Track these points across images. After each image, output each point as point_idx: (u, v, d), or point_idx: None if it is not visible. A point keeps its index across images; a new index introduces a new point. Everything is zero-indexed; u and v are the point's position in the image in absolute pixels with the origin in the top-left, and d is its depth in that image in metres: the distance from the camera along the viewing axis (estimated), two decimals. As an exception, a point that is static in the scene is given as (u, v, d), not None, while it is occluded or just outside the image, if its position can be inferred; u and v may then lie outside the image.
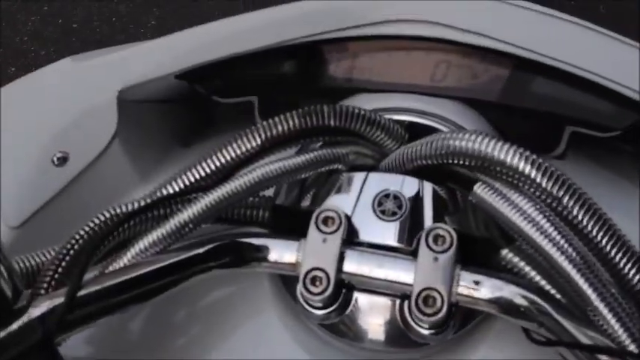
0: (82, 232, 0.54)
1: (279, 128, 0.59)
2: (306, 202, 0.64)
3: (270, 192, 0.63)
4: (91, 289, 0.52)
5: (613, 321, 0.50)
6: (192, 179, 0.58)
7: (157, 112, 0.76)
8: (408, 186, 0.60)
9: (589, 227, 0.53)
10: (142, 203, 0.57)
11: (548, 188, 0.53)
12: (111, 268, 0.55)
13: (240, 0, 2.18)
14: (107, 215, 0.55)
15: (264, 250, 0.57)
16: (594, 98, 0.65)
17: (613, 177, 0.70)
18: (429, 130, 0.66)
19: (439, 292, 0.53)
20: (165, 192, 0.58)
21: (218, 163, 0.59)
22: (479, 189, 0.57)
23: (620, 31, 0.67)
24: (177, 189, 0.58)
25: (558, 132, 0.68)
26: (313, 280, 0.55)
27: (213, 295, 0.69)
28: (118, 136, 0.69)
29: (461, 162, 0.57)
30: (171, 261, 0.55)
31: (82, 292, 0.50)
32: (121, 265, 0.55)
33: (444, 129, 0.66)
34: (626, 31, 0.70)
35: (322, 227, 0.56)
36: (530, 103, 0.69)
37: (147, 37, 2.43)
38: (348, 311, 0.58)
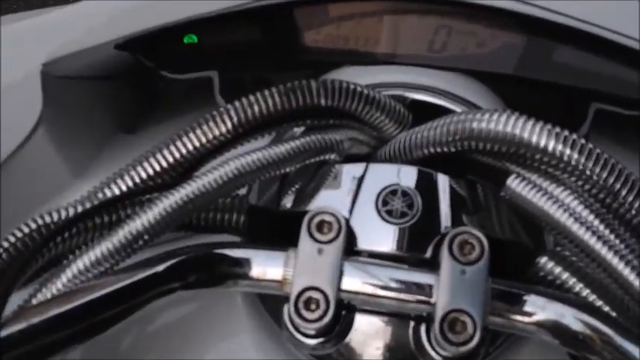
0: None
1: (256, 109, 0.48)
2: (287, 201, 0.54)
3: (241, 190, 0.52)
4: (13, 329, 0.40)
5: None
6: (145, 175, 0.47)
7: (92, 91, 0.66)
8: (418, 179, 0.50)
9: None
10: (80, 208, 0.45)
11: (601, 180, 0.45)
12: (40, 297, 0.44)
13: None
14: (33, 226, 0.44)
15: (242, 263, 0.46)
16: (627, 69, 0.57)
17: (636, 159, 0.62)
18: (437, 110, 0.56)
19: (470, 315, 0.43)
20: (109, 192, 0.47)
21: (178, 155, 0.48)
22: (513, 182, 0.47)
23: None
24: (125, 188, 0.47)
25: (582, 109, 0.59)
26: (307, 303, 0.45)
27: (172, 315, 0.58)
28: (44, 121, 0.58)
29: (486, 148, 0.48)
30: (121, 285, 0.44)
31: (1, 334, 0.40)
32: (54, 292, 0.44)
33: (456, 108, 0.57)
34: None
35: (317, 235, 0.46)
36: (549, 76, 0.60)
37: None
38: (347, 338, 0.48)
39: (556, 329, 0.43)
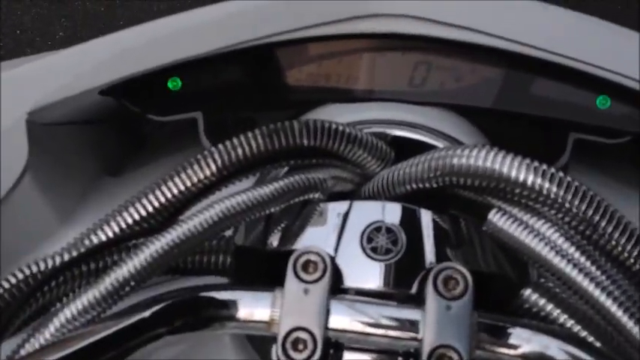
0: None
1: (240, 151, 0.48)
2: (273, 240, 0.53)
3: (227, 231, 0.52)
4: None
5: None
6: (131, 221, 0.47)
7: (78, 136, 0.65)
8: (401, 216, 0.50)
9: (631, 258, 0.44)
10: (67, 257, 0.45)
11: (580, 212, 0.45)
12: (28, 348, 0.43)
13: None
14: (20, 276, 0.43)
15: (229, 305, 0.46)
16: (603, 99, 0.57)
17: (622, 188, 0.62)
18: (419, 146, 0.56)
19: (456, 350, 0.43)
20: (95, 239, 0.46)
21: (163, 199, 0.47)
22: (495, 217, 0.47)
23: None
24: (111, 235, 0.46)
25: (561, 140, 0.59)
26: (295, 344, 0.44)
27: (162, 357, 0.57)
28: (30, 170, 0.57)
29: (467, 184, 0.48)
30: (109, 332, 0.43)
31: None
32: (42, 341, 0.43)
33: (438, 143, 0.57)
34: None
35: (302, 275, 0.45)
36: (528, 108, 0.60)
37: (55, 49, 2.28)
38: None
39: None
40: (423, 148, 0.53)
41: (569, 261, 0.44)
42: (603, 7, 2.26)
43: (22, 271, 0.43)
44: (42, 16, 2.40)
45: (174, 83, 0.62)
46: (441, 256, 0.49)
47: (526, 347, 0.43)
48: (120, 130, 0.69)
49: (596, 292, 0.43)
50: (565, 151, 0.59)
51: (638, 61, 0.55)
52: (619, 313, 0.42)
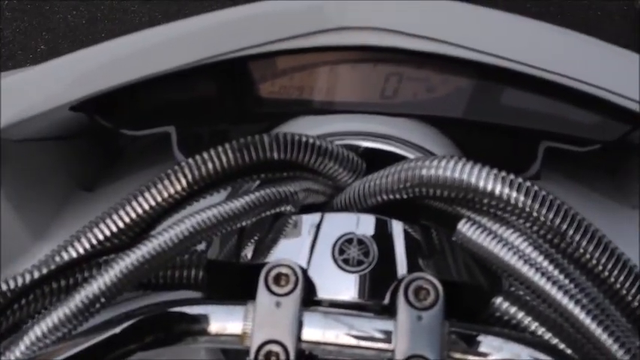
0: None
1: (210, 166, 0.48)
2: (246, 253, 0.53)
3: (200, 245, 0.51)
4: None
5: None
6: (102, 237, 0.47)
7: (50, 151, 0.64)
8: (373, 227, 0.50)
9: (600, 265, 0.44)
10: (37, 274, 0.44)
11: (548, 221, 0.45)
12: None
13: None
14: None
15: (201, 320, 0.46)
16: (573, 108, 0.58)
17: (593, 195, 0.63)
18: (390, 157, 0.57)
19: None
20: (67, 255, 0.46)
21: (134, 215, 0.47)
22: (464, 227, 0.47)
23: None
24: (82, 251, 0.46)
25: (532, 149, 0.59)
26: (268, 357, 0.44)
27: None
28: (2, 187, 0.57)
29: (436, 194, 0.48)
30: (79, 349, 0.43)
31: None
32: None
33: (408, 154, 0.57)
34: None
35: (274, 288, 0.45)
36: (499, 118, 0.60)
37: (37, 62, 2.27)
38: None
39: None
40: (394, 159, 0.53)
41: (537, 270, 0.44)
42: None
43: None
44: (23, 30, 2.39)
45: (146, 98, 0.61)
46: (412, 267, 0.49)
47: (497, 355, 0.44)
48: (93, 144, 0.68)
49: (564, 300, 0.43)
50: (536, 160, 0.60)
51: (606, 71, 0.55)
52: (587, 320, 0.43)
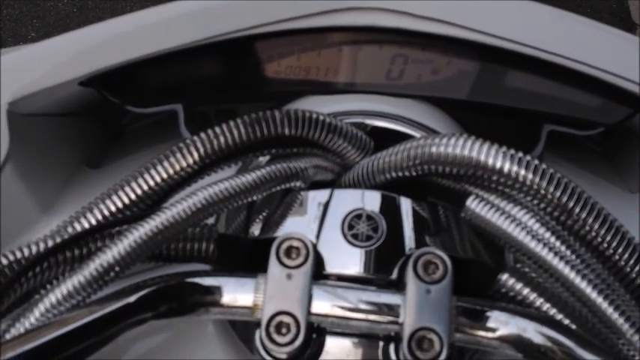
0: None
1: (222, 140, 0.48)
2: (255, 229, 0.53)
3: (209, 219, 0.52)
4: None
5: None
6: (115, 208, 0.47)
7: (58, 127, 0.64)
8: (381, 203, 0.50)
9: (605, 243, 0.45)
10: (51, 243, 0.45)
11: (555, 199, 0.46)
12: (14, 332, 0.43)
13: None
14: (4, 262, 0.43)
15: (213, 291, 0.46)
16: (576, 91, 0.59)
17: (594, 179, 0.64)
18: (397, 136, 0.57)
19: (436, 333, 0.44)
20: (79, 226, 0.47)
21: (147, 187, 0.48)
22: (472, 203, 0.48)
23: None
24: (95, 222, 0.47)
25: (535, 131, 0.60)
26: (279, 328, 0.44)
27: (146, 344, 0.57)
28: (11, 159, 0.57)
29: (445, 171, 0.48)
30: (94, 317, 0.43)
31: None
32: (27, 326, 0.43)
33: (415, 133, 0.57)
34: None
35: (285, 260, 0.45)
36: (503, 100, 0.61)
37: (27, 50, 2.26)
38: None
39: (519, 343, 0.44)
40: (401, 138, 0.54)
41: (544, 245, 0.45)
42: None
43: (5, 257, 0.43)
44: (14, 17, 2.37)
45: (154, 75, 0.62)
46: (420, 243, 0.49)
47: (504, 330, 0.44)
48: (100, 121, 0.68)
49: (572, 275, 0.44)
50: (539, 142, 0.60)
51: (607, 53, 0.56)
52: (593, 294, 0.44)
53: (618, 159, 0.68)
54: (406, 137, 0.55)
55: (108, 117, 0.67)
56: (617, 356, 0.43)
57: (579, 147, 0.65)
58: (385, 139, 0.55)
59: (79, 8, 2.42)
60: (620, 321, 0.43)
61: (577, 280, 0.44)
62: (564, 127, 0.60)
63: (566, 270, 0.44)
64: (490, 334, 0.44)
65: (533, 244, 0.45)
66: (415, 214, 0.51)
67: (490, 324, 0.44)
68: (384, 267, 0.48)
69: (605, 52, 0.56)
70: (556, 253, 0.45)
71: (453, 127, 0.61)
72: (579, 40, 0.57)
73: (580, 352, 0.42)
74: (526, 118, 0.61)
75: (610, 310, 0.43)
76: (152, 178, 0.48)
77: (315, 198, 0.51)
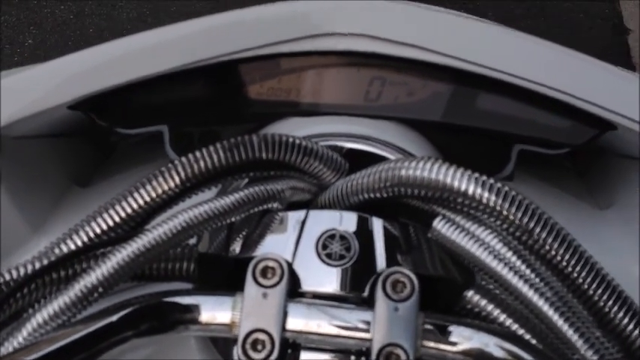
0: None
1: (202, 164, 0.51)
2: (235, 247, 0.56)
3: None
4: None
5: None
6: (99, 230, 0.49)
7: (48, 148, 0.67)
8: (354, 223, 0.52)
9: (564, 262, 0.47)
10: (38, 265, 0.47)
11: (517, 220, 0.48)
12: (2, 351, 0.45)
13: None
14: None
15: (192, 309, 0.48)
16: (544, 113, 0.61)
17: (564, 196, 0.66)
18: (372, 158, 0.59)
19: (403, 349, 0.46)
20: (65, 247, 0.49)
21: (130, 210, 0.50)
22: (439, 224, 0.50)
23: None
24: (81, 244, 0.49)
25: (506, 151, 0.63)
26: (254, 345, 0.47)
27: (129, 357, 0.58)
28: (3, 182, 0.59)
29: (414, 193, 0.51)
30: (78, 335, 0.45)
31: None
32: (15, 346, 0.45)
33: (389, 155, 0.59)
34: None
35: (261, 280, 0.48)
36: (474, 121, 0.64)
37: (24, 57, 2.28)
38: None
39: (480, 357, 0.46)
40: (375, 159, 0.56)
41: (505, 264, 0.47)
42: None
43: None
44: (11, 24, 2.39)
45: (140, 98, 0.64)
46: (391, 261, 0.51)
47: (467, 344, 0.46)
48: (89, 142, 0.70)
49: (530, 293, 0.46)
50: (510, 161, 0.63)
51: (574, 78, 0.58)
52: (550, 312, 0.46)
53: (589, 176, 0.71)
54: (380, 159, 0.57)
55: (97, 137, 0.69)
56: None
57: (551, 164, 0.67)
58: (360, 160, 0.57)
59: (75, 15, 2.44)
60: (575, 337, 0.45)
61: (535, 299, 0.46)
62: (534, 147, 0.63)
63: (524, 289, 0.47)
64: (454, 349, 0.47)
65: (494, 264, 0.48)
66: (387, 233, 0.53)
67: (454, 339, 0.47)
68: (357, 285, 0.50)
69: (572, 77, 0.59)
70: (516, 272, 0.47)
71: (427, 148, 0.63)
72: (547, 65, 0.59)
73: None
74: (497, 138, 0.64)
75: (565, 327, 0.45)
76: (135, 201, 0.50)
77: (292, 218, 0.53)
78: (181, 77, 0.63)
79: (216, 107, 0.66)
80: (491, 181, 0.48)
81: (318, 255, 0.51)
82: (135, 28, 2.30)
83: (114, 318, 0.46)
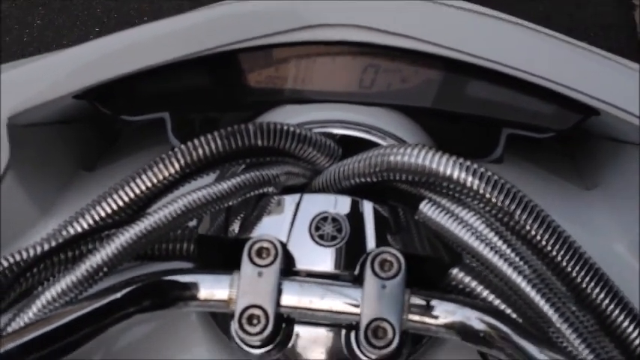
0: None
1: (200, 151, 0.53)
2: (234, 229, 0.59)
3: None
4: None
5: (577, 341, 0.48)
6: (104, 213, 0.52)
7: (55, 135, 0.69)
8: (346, 206, 0.55)
9: (543, 241, 0.50)
10: (46, 247, 0.50)
11: (499, 202, 0.50)
12: (14, 326, 0.48)
13: None
14: (5, 264, 0.48)
15: (191, 287, 0.51)
16: (531, 99, 0.63)
17: (551, 177, 0.68)
18: (364, 143, 0.62)
19: (389, 323, 0.49)
20: (72, 230, 0.51)
21: (133, 194, 0.53)
22: (425, 207, 0.53)
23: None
24: (86, 226, 0.52)
25: (495, 135, 0.65)
26: (250, 319, 0.50)
27: (133, 333, 0.62)
28: (12, 168, 0.61)
29: (403, 178, 0.53)
30: (85, 311, 0.48)
31: None
32: (26, 321, 0.48)
33: (380, 141, 0.62)
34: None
35: (256, 260, 0.51)
36: (464, 108, 0.66)
37: (33, 37, 2.30)
38: (289, 345, 0.53)
39: (462, 329, 0.49)
40: (367, 145, 0.58)
41: (486, 244, 0.50)
42: None
43: (6, 259, 0.48)
44: (19, 5, 2.41)
45: (143, 87, 0.66)
46: (380, 242, 0.54)
47: (450, 318, 0.49)
48: (94, 128, 0.72)
49: (509, 271, 0.49)
50: (499, 145, 0.65)
51: (560, 65, 0.61)
52: (527, 288, 0.49)
53: (577, 158, 0.73)
54: (372, 145, 0.60)
55: (102, 124, 0.71)
56: (547, 342, 0.48)
57: (541, 147, 0.69)
58: (353, 146, 0.60)
59: (84, -6, 2.46)
60: (550, 312, 0.48)
61: (513, 276, 0.49)
62: (521, 131, 0.65)
63: (504, 267, 0.49)
64: (438, 322, 0.49)
65: (476, 244, 0.50)
66: (377, 215, 0.55)
67: (438, 313, 0.49)
68: (348, 264, 0.53)
69: (558, 65, 0.61)
70: (496, 252, 0.50)
71: (419, 134, 0.65)
72: (534, 54, 0.62)
73: (515, 337, 0.47)
74: (486, 123, 0.66)
75: (542, 303, 0.48)
76: (138, 186, 0.52)
77: (287, 202, 0.56)
78: (183, 66, 0.65)
79: (216, 95, 0.69)
80: (475, 165, 0.51)
81: (311, 236, 0.54)
82: (141, 8, 2.32)
83: (118, 295, 0.49)
